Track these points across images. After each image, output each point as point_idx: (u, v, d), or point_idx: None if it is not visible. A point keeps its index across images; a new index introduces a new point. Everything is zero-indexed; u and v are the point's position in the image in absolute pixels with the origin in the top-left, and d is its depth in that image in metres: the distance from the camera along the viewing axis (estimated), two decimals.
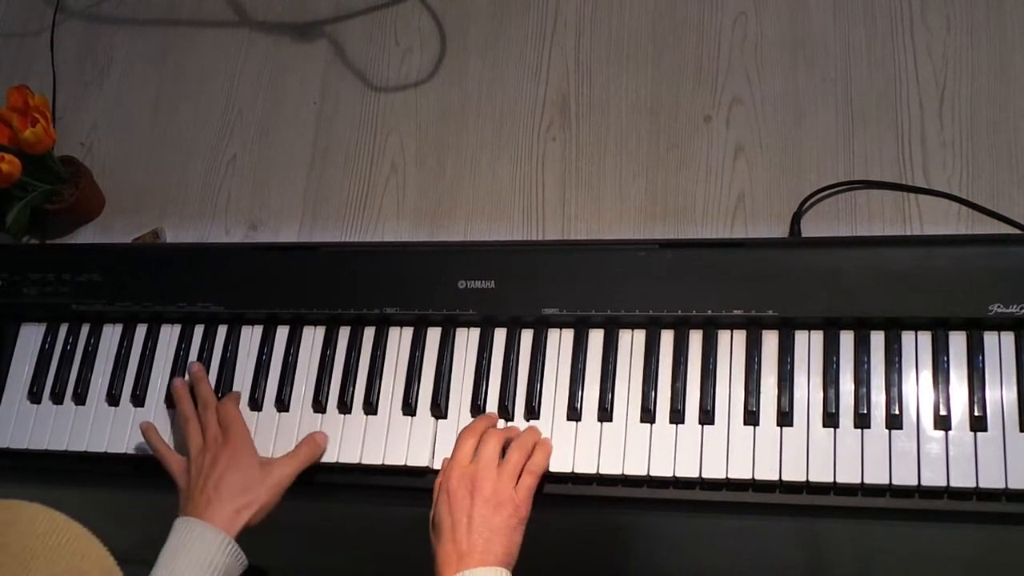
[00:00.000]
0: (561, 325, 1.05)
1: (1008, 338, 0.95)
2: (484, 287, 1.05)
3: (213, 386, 1.10)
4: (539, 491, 0.96)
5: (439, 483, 0.95)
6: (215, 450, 1.00)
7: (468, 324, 1.07)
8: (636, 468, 0.97)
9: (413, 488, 1.04)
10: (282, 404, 1.08)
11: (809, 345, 0.99)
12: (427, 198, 1.22)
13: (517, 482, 0.93)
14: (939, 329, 0.96)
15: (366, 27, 1.32)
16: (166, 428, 1.10)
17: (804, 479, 0.94)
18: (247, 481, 0.98)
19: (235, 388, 1.10)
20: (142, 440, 1.07)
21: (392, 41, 1.31)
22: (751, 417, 0.97)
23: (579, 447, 1.00)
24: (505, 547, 0.89)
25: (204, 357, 1.11)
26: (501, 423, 1.02)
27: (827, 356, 0.97)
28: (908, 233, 1.07)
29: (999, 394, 0.93)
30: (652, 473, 0.97)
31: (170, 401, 1.11)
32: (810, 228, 1.09)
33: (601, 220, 1.16)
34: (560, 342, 1.04)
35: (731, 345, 1.00)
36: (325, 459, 1.05)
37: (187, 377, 1.10)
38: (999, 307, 0.93)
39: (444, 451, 1.02)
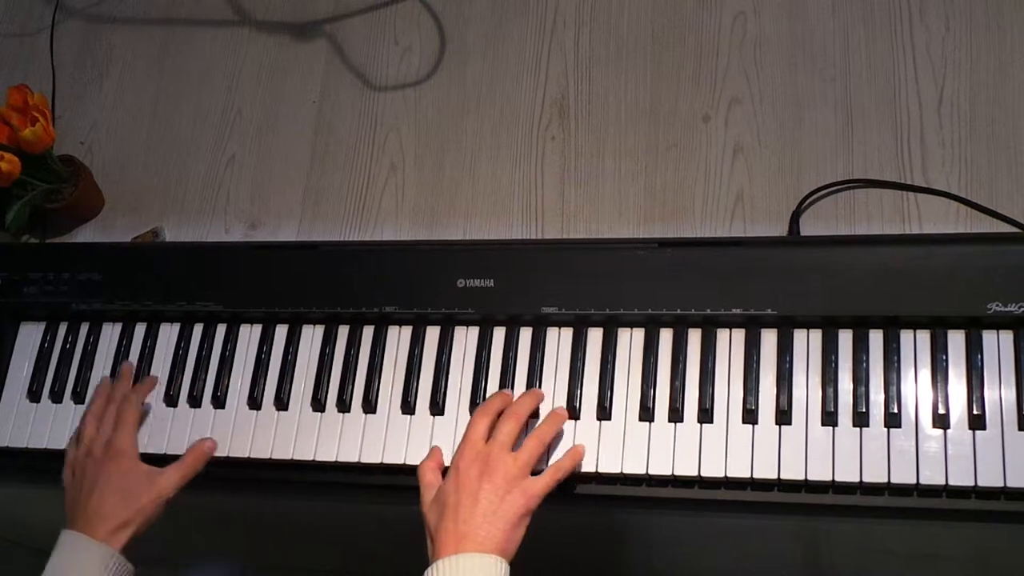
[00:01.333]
0: (560, 324, 1.05)
1: (1007, 337, 0.95)
2: (483, 286, 1.05)
3: (213, 385, 1.10)
4: (567, 490, 0.96)
5: (452, 460, 0.93)
6: (98, 457, 0.99)
7: (467, 323, 1.07)
8: (635, 466, 0.97)
9: (413, 487, 1.04)
10: (281, 403, 1.08)
11: (808, 344, 0.99)
12: (426, 197, 1.22)
13: (532, 474, 0.91)
14: (938, 328, 0.96)
15: (365, 26, 1.32)
16: (165, 428, 1.09)
17: (803, 478, 0.94)
18: (129, 495, 0.96)
19: (234, 387, 1.10)
20: (140, 438, 1.07)
21: (391, 40, 1.31)
22: (750, 416, 0.97)
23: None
24: (507, 535, 0.86)
25: (203, 356, 1.11)
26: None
27: (826, 355, 0.98)
28: (907, 232, 1.07)
29: (998, 393, 0.93)
30: (651, 471, 0.97)
31: (169, 400, 1.11)
32: (809, 227, 1.09)
33: (600, 219, 1.16)
34: (559, 341, 1.05)
35: (730, 344, 1.00)
36: (324, 458, 1.05)
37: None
38: (998, 306, 0.94)
39: (443, 450, 1.02)
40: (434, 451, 0.98)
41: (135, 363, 1.13)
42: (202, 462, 1.02)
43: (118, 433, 1.01)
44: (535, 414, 1.00)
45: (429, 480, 0.93)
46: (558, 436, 0.98)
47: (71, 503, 0.98)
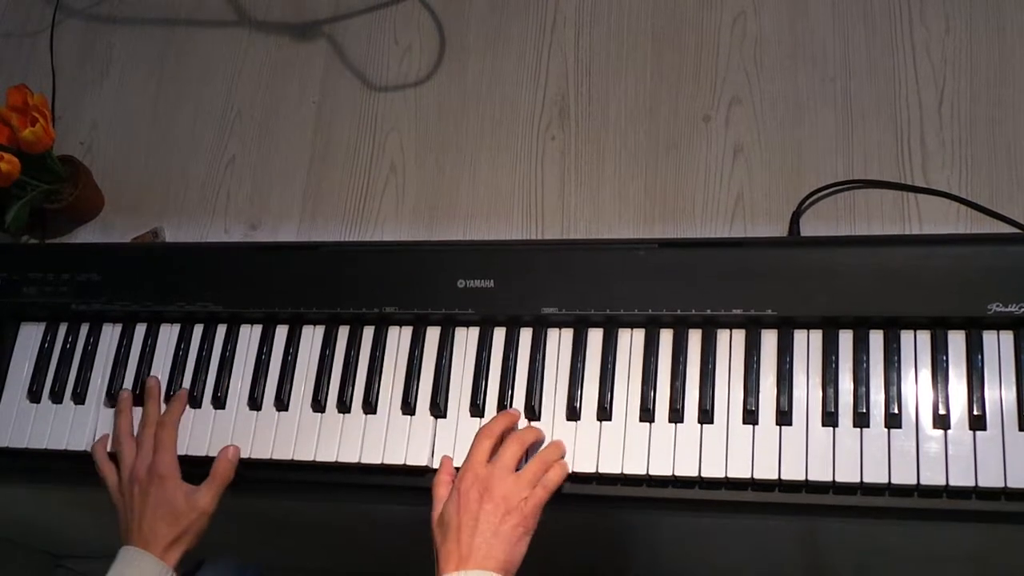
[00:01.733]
0: (560, 324, 1.05)
1: (1007, 337, 0.95)
2: (483, 286, 1.05)
3: (213, 386, 1.10)
4: (559, 499, 0.96)
5: (455, 481, 0.95)
6: (143, 481, 1.02)
7: (467, 323, 1.07)
8: (635, 467, 0.97)
9: (412, 487, 1.04)
10: (281, 403, 1.08)
11: (808, 344, 0.99)
12: (426, 197, 1.22)
13: (529, 493, 0.93)
14: (938, 328, 0.96)
15: (365, 26, 1.32)
16: None
17: (803, 478, 0.94)
18: (176, 516, 1.00)
19: (234, 388, 1.10)
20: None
21: (391, 40, 1.31)
22: (750, 416, 0.97)
23: (578, 446, 0.99)
24: (507, 554, 0.89)
25: (203, 356, 1.11)
26: (523, 422, 1.02)
27: (826, 355, 0.97)
28: (907, 232, 1.07)
29: (998, 393, 0.93)
30: (651, 472, 0.97)
31: (169, 401, 1.11)
32: (809, 227, 1.09)
33: (600, 219, 1.16)
34: (559, 341, 1.04)
35: (730, 344, 1.00)
36: (324, 458, 1.05)
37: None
38: (998, 306, 0.93)
39: (443, 450, 1.02)
40: (445, 463, 1.00)
41: (135, 363, 1.13)
42: (231, 470, 1.04)
43: (159, 457, 1.04)
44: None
45: (440, 495, 0.96)
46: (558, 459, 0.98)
47: (124, 524, 1.02)
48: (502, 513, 0.90)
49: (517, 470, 0.95)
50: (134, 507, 1.02)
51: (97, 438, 1.10)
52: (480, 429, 0.99)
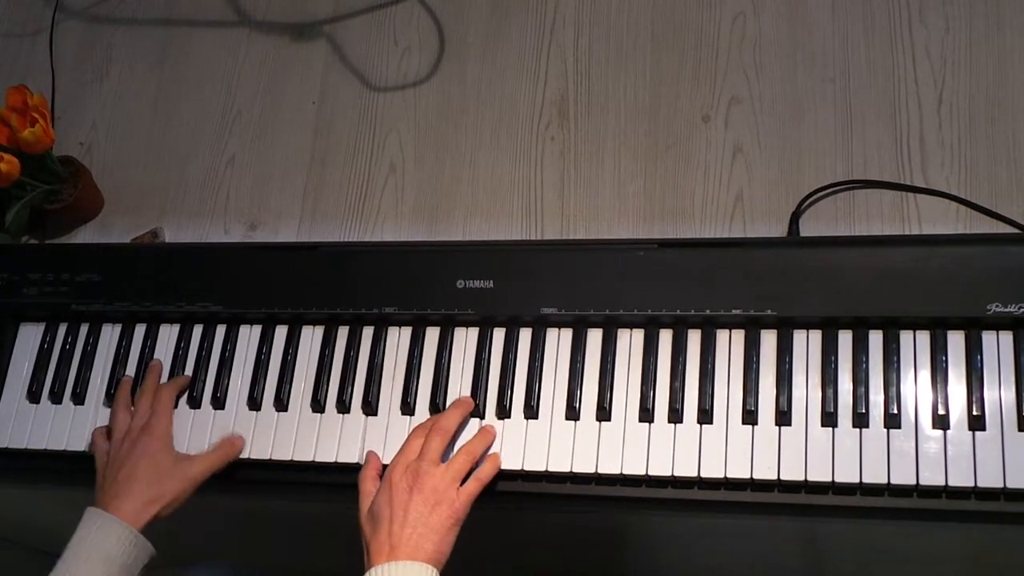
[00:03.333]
0: (560, 325, 1.05)
1: (1007, 337, 0.95)
2: (483, 287, 1.05)
3: (212, 386, 1.10)
4: (491, 492, 0.97)
5: (385, 474, 0.96)
6: (134, 437, 1.02)
7: (467, 324, 1.07)
8: (634, 467, 0.97)
9: None
10: (281, 404, 1.08)
11: (807, 344, 0.99)
12: (426, 197, 1.22)
13: (461, 485, 0.94)
14: (937, 328, 0.96)
15: (365, 27, 1.32)
16: None
17: (802, 478, 0.94)
18: (159, 473, 0.99)
19: (233, 388, 1.10)
20: None
21: (391, 41, 1.31)
22: (749, 416, 0.97)
23: (578, 446, 0.99)
24: (436, 545, 0.90)
25: (203, 356, 1.11)
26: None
27: (825, 355, 0.97)
28: (906, 233, 1.07)
29: (997, 393, 0.93)
30: (650, 472, 0.97)
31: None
32: (808, 228, 1.09)
33: (600, 219, 1.16)
34: (559, 342, 1.04)
35: (729, 344, 1.00)
36: (324, 458, 1.05)
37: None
38: (997, 306, 0.93)
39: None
40: (371, 458, 1.01)
41: (134, 363, 1.13)
42: (231, 455, 1.04)
43: (154, 418, 1.04)
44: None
45: (367, 489, 0.97)
46: (486, 450, 1.00)
47: (100, 482, 1.01)
48: (432, 504, 0.91)
49: (444, 461, 0.96)
50: (115, 461, 1.00)
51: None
52: (417, 426, 1.00)
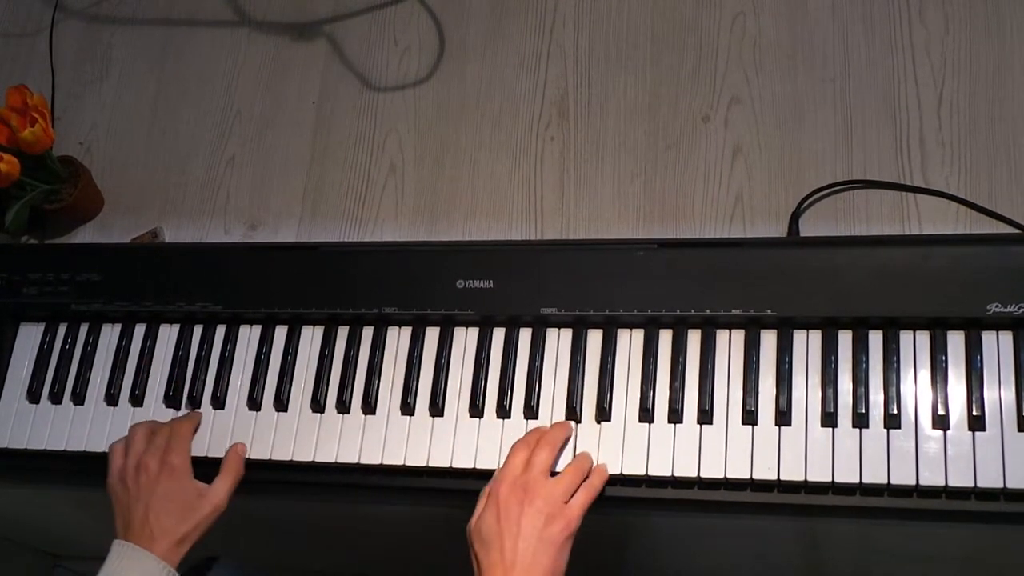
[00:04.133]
0: (559, 325, 1.05)
1: (1006, 338, 0.95)
2: (483, 287, 1.05)
3: (212, 386, 1.10)
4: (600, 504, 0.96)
5: (487, 491, 0.93)
6: (153, 472, 0.99)
7: (467, 324, 1.07)
8: (634, 468, 0.97)
9: (411, 488, 1.04)
10: (280, 404, 1.08)
11: (807, 345, 0.99)
12: (426, 197, 1.22)
13: (570, 499, 0.91)
14: (937, 329, 0.96)
15: (365, 27, 1.32)
16: None
17: (802, 479, 0.94)
18: (188, 510, 0.97)
19: (233, 388, 1.10)
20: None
21: (391, 41, 1.31)
22: (749, 417, 0.97)
23: (577, 447, 0.99)
24: (553, 560, 0.86)
25: (202, 356, 1.11)
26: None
27: (825, 356, 0.97)
28: (906, 233, 1.07)
29: (997, 394, 0.93)
30: (650, 473, 0.97)
31: (168, 402, 1.11)
32: (808, 228, 1.09)
33: (600, 219, 1.16)
34: (559, 342, 1.04)
35: (729, 345, 1.00)
36: (324, 459, 1.05)
37: None
38: (997, 307, 0.93)
39: (442, 451, 1.02)
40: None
41: (134, 363, 1.13)
42: (241, 464, 1.03)
43: (172, 448, 1.01)
44: None
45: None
46: (590, 467, 0.97)
47: (124, 514, 0.98)
48: (545, 517, 0.88)
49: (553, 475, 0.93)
50: (139, 498, 0.97)
51: (97, 437, 1.10)
52: (516, 442, 0.97)
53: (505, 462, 0.95)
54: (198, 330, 1.13)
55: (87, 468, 1.12)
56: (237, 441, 1.06)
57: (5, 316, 1.17)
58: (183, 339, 1.13)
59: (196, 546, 0.98)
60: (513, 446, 0.96)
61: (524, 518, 0.88)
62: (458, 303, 1.05)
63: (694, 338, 1.01)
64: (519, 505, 0.89)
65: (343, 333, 1.10)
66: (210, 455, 1.06)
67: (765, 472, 0.94)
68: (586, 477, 0.95)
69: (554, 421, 1.01)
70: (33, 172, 1.22)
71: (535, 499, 0.89)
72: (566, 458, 0.98)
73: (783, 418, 0.96)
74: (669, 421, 0.99)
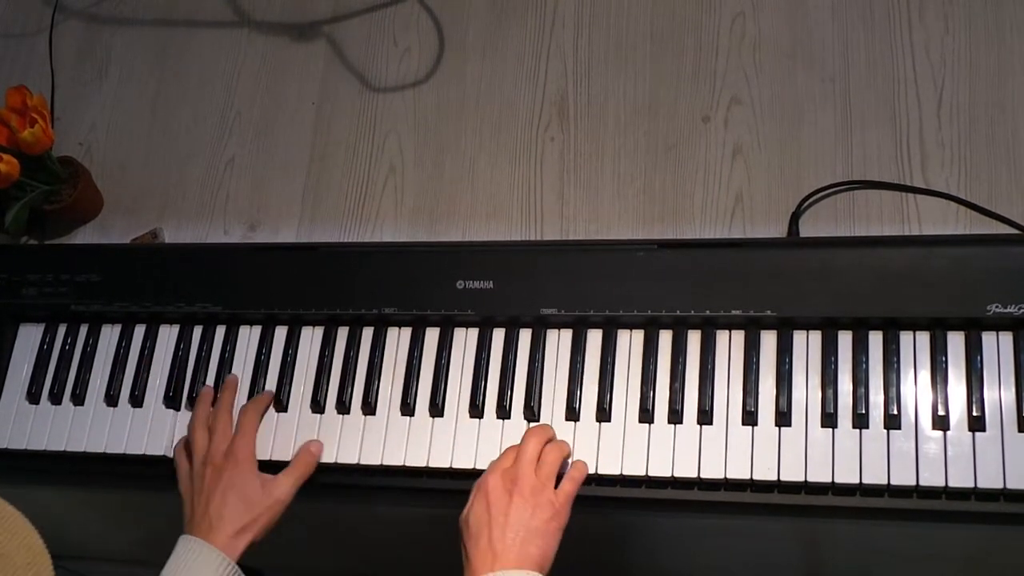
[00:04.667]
0: (559, 325, 1.05)
1: (1006, 338, 0.95)
2: (482, 287, 1.05)
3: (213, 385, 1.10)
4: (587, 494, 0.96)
5: (478, 483, 0.93)
6: (218, 464, 0.99)
7: (466, 324, 1.07)
8: (634, 468, 0.97)
9: (411, 488, 1.04)
10: (280, 404, 1.08)
11: (807, 345, 0.99)
12: (425, 198, 1.22)
13: (556, 486, 0.92)
14: (937, 329, 0.96)
15: (365, 27, 1.32)
16: (163, 429, 1.10)
17: (802, 479, 0.94)
18: (249, 502, 0.97)
19: None
20: (139, 440, 1.07)
21: (391, 41, 1.31)
22: (749, 417, 0.97)
23: (577, 447, 0.99)
24: (542, 550, 0.86)
25: (202, 357, 1.11)
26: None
27: (825, 356, 0.97)
28: (906, 233, 1.07)
29: (997, 394, 0.93)
30: (650, 473, 0.97)
31: (168, 402, 1.11)
32: (808, 228, 1.09)
33: (599, 220, 1.16)
34: (559, 342, 1.04)
35: (729, 345, 1.00)
36: (324, 459, 1.05)
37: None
38: (997, 307, 0.93)
39: (442, 451, 1.02)
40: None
41: (134, 364, 1.13)
42: (312, 465, 1.02)
43: (238, 441, 1.01)
44: None
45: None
46: (567, 454, 0.97)
47: (190, 509, 0.98)
48: (532, 507, 0.88)
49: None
50: (204, 489, 0.97)
51: (97, 438, 1.10)
52: (512, 445, 0.97)
53: (498, 458, 0.95)
54: (198, 331, 1.13)
55: (87, 468, 1.12)
56: (314, 440, 1.04)
57: (5, 316, 1.17)
58: (183, 340, 1.13)
59: (260, 539, 0.97)
60: (507, 449, 0.96)
61: (513, 508, 0.88)
62: (458, 304, 1.05)
63: (694, 338, 1.01)
64: (507, 495, 0.89)
65: (343, 334, 1.10)
66: None
67: (765, 473, 0.94)
68: (565, 466, 0.96)
69: (554, 422, 1.01)
70: (33, 172, 1.22)
71: (524, 489, 0.89)
72: None
73: (783, 419, 0.96)
74: (669, 422, 0.99)
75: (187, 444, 1.04)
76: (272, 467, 1.06)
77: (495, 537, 0.86)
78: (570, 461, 0.98)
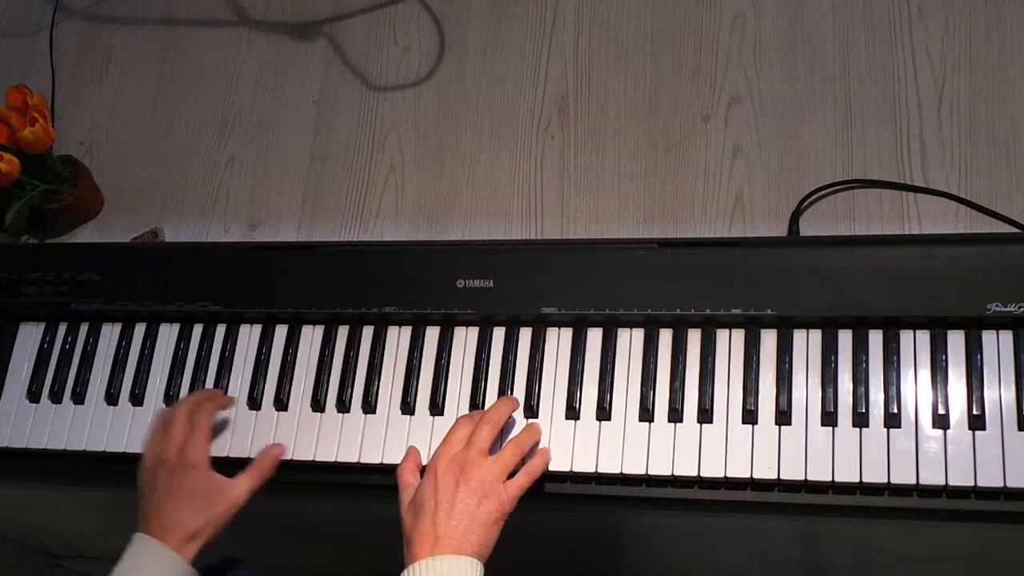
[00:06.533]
0: (560, 324, 1.05)
1: (1006, 337, 0.95)
2: (483, 286, 1.05)
3: (212, 386, 1.10)
4: (537, 491, 0.96)
5: (429, 464, 0.93)
6: (171, 466, 0.98)
7: (467, 323, 1.07)
8: (634, 467, 0.97)
9: None
10: (281, 403, 1.08)
11: (807, 344, 0.99)
12: (426, 197, 1.22)
13: (508, 478, 0.92)
14: (937, 328, 0.96)
15: (365, 26, 1.32)
16: None
17: (802, 478, 0.94)
18: (202, 506, 0.96)
19: (233, 388, 1.10)
20: (140, 439, 1.07)
21: (391, 40, 1.31)
22: (749, 416, 0.97)
23: (577, 446, 0.99)
24: (482, 539, 0.88)
25: (203, 356, 1.11)
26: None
27: (825, 355, 0.97)
28: (906, 232, 1.07)
29: (997, 393, 0.93)
30: (650, 472, 0.97)
31: (169, 401, 1.11)
32: (808, 227, 1.09)
33: (600, 219, 1.16)
34: (559, 341, 1.05)
35: (729, 344, 1.00)
36: (324, 458, 1.05)
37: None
38: (997, 306, 0.93)
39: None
40: (411, 452, 0.99)
41: (134, 363, 1.13)
42: (272, 468, 1.01)
43: (190, 441, 0.99)
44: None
45: (408, 481, 0.95)
46: (534, 446, 0.98)
47: (144, 508, 0.97)
48: (479, 497, 0.89)
49: (492, 453, 0.94)
50: (156, 490, 0.96)
51: (97, 437, 1.10)
52: (461, 416, 0.98)
53: (446, 436, 0.95)
54: (198, 330, 1.13)
55: (87, 468, 1.12)
56: (276, 443, 1.04)
57: (5, 316, 1.18)
58: (183, 339, 1.13)
59: (211, 541, 0.96)
60: (458, 420, 0.97)
61: (458, 496, 0.89)
62: (458, 303, 1.05)
63: (694, 337, 1.01)
64: (455, 483, 0.90)
65: (343, 333, 1.10)
66: (210, 454, 1.05)
67: (765, 471, 0.94)
68: (529, 454, 0.96)
69: (554, 420, 1.01)
70: (33, 172, 1.22)
71: (471, 479, 0.90)
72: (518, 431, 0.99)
73: (783, 417, 0.96)
74: (669, 420, 0.99)
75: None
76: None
77: (439, 521, 0.87)
78: (536, 442, 0.98)
